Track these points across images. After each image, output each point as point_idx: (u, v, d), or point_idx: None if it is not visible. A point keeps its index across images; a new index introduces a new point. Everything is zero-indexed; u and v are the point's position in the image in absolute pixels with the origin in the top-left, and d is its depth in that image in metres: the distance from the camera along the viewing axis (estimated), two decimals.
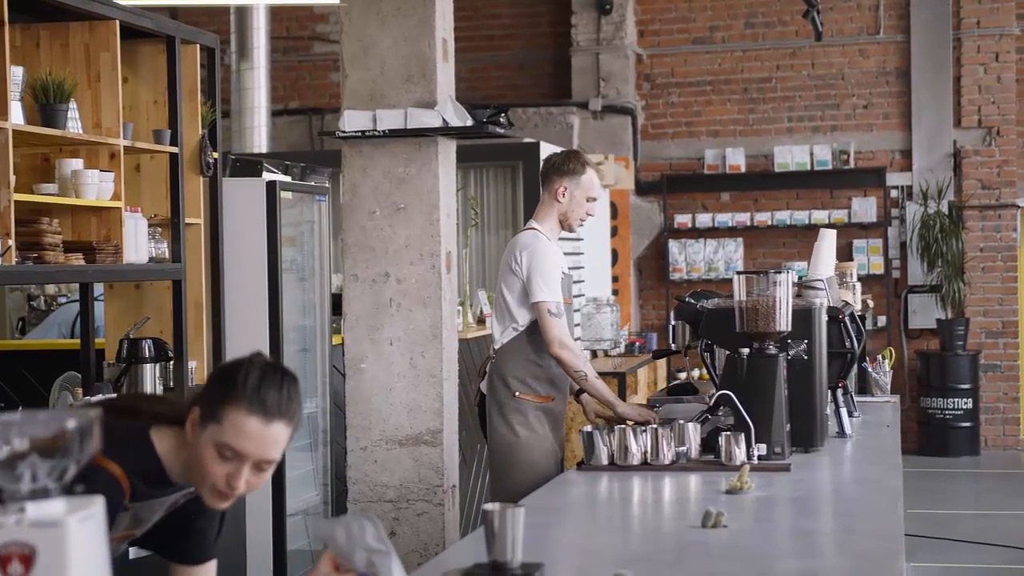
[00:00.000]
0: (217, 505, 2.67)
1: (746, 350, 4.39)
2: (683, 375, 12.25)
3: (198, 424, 2.61)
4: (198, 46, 5.91)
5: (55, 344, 6.87)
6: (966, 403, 12.25)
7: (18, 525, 1.71)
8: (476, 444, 7.43)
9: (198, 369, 5.86)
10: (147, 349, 5.43)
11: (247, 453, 2.56)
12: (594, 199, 5.34)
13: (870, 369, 6.38)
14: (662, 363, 11.25)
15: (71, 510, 1.74)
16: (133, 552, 4.64)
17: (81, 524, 1.73)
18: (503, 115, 6.10)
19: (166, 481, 2.69)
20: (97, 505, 1.77)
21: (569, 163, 5.31)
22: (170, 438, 2.68)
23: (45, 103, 4.82)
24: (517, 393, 5.16)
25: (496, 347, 5.27)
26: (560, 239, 6.29)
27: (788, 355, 4.44)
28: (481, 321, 8.42)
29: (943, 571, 8.09)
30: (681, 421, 4.36)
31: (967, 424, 12.28)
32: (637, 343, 10.87)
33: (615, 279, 12.32)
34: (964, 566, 8.20)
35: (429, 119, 5.81)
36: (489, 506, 2.72)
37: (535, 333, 5.14)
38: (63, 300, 8.20)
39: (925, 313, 12.59)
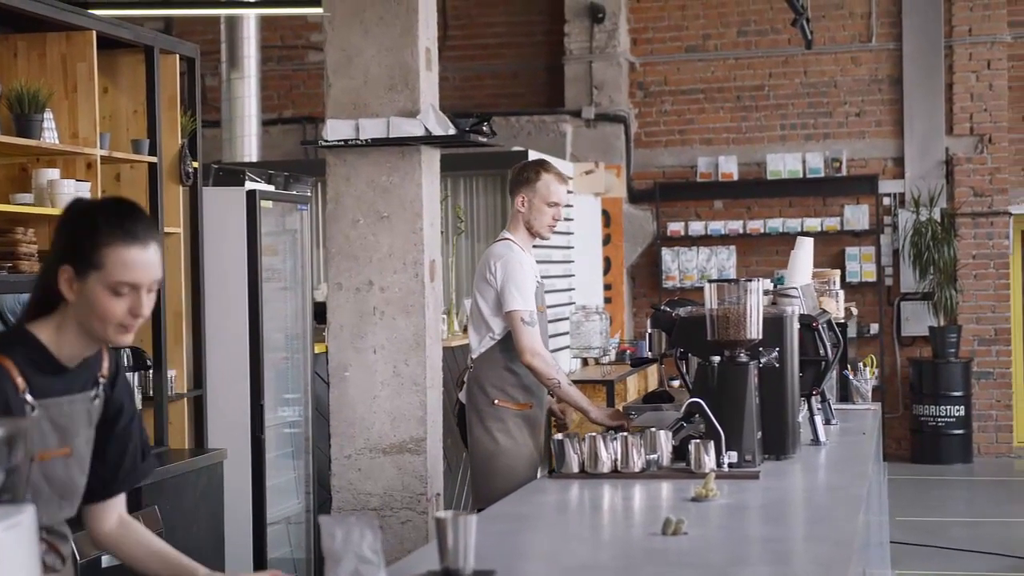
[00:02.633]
0: (121, 341, 2.72)
1: (717, 358, 4.40)
2: (676, 383, 12.24)
3: (75, 278, 2.66)
4: (177, 56, 5.93)
5: None
6: (958, 410, 12.25)
7: None
8: (461, 452, 7.43)
9: (177, 378, 5.88)
10: (126, 358, 5.44)
11: (139, 282, 2.65)
12: (555, 204, 5.34)
13: (851, 377, 6.38)
14: (653, 371, 11.25)
15: None
16: (106, 561, 4.66)
17: (7, 532, 1.74)
18: (486, 124, 6.11)
19: (59, 366, 2.72)
20: (26, 514, 1.79)
21: (524, 172, 5.39)
22: (47, 325, 2.72)
23: (20, 113, 4.84)
24: (496, 401, 5.22)
25: (473, 356, 5.35)
26: (546, 247, 6.27)
27: (759, 363, 4.44)
28: (467, 329, 8.43)
29: None
30: (653, 429, 4.37)
31: (959, 431, 12.28)
32: (628, 351, 10.85)
33: (608, 287, 12.33)
34: (954, 573, 8.20)
35: (411, 128, 5.82)
36: (440, 514, 2.73)
37: (511, 342, 5.18)
38: None
39: (917, 320, 12.60)
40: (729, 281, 4.43)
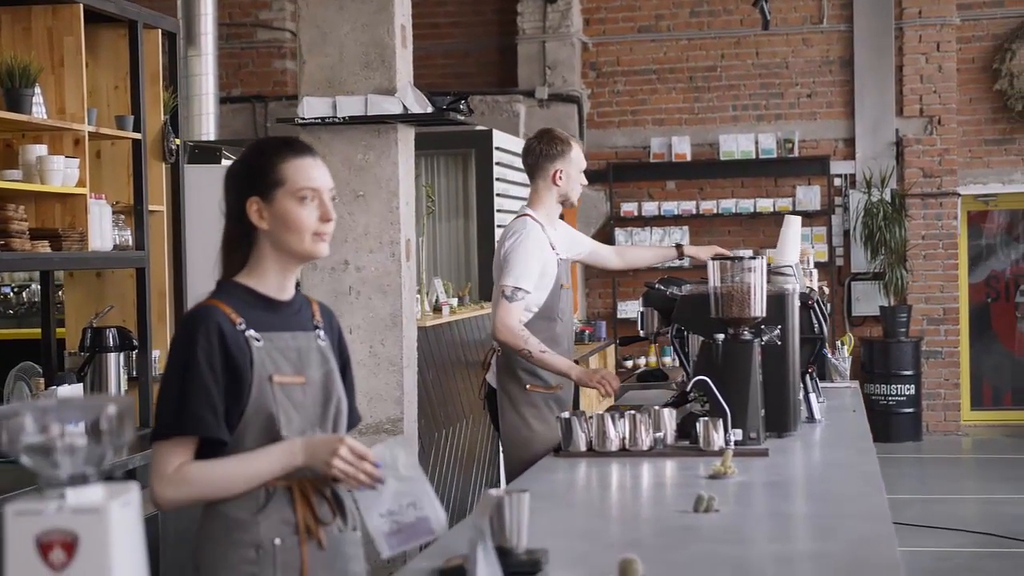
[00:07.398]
0: (321, 250, 2.90)
1: (721, 336, 4.40)
2: (629, 363, 12.30)
3: (264, 205, 2.86)
4: (160, 31, 5.83)
5: (14, 334, 6.76)
6: (908, 389, 12.39)
7: (59, 512, 1.68)
8: (434, 432, 7.41)
9: (162, 358, 5.79)
10: (111, 338, 5.35)
11: (319, 185, 2.89)
12: (584, 170, 5.43)
13: (829, 355, 6.42)
14: (611, 351, 11.29)
15: (111, 496, 1.71)
16: None
17: (122, 509, 1.71)
18: (463, 102, 6.08)
19: (269, 301, 2.88)
20: (133, 491, 1.75)
21: (556, 146, 5.32)
22: (242, 274, 2.90)
23: (10, 87, 4.73)
24: (528, 386, 5.14)
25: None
26: (501, 226, 6.07)
27: (762, 340, 4.45)
28: (437, 309, 8.38)
29: None
30: (656, 407, 4.37)
31: (909, 410, 12.43)
32: (586, 331, 10.89)
33: None
34: (909, 550, 8.29)
35: (390, 106, 5.78)
36: (495, 492, 2.71)
37: (539, 323, 5.09)
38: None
39: (868, 300, 12.72)
40: (733, 259, 4.43)
